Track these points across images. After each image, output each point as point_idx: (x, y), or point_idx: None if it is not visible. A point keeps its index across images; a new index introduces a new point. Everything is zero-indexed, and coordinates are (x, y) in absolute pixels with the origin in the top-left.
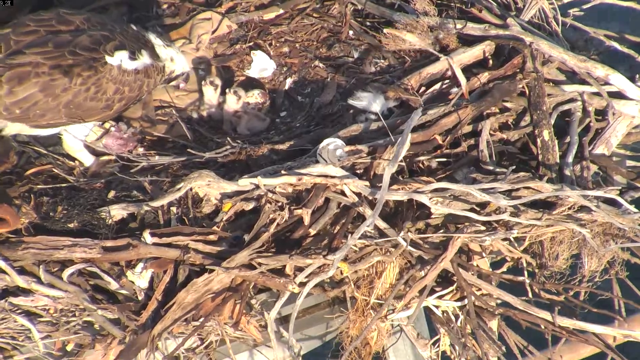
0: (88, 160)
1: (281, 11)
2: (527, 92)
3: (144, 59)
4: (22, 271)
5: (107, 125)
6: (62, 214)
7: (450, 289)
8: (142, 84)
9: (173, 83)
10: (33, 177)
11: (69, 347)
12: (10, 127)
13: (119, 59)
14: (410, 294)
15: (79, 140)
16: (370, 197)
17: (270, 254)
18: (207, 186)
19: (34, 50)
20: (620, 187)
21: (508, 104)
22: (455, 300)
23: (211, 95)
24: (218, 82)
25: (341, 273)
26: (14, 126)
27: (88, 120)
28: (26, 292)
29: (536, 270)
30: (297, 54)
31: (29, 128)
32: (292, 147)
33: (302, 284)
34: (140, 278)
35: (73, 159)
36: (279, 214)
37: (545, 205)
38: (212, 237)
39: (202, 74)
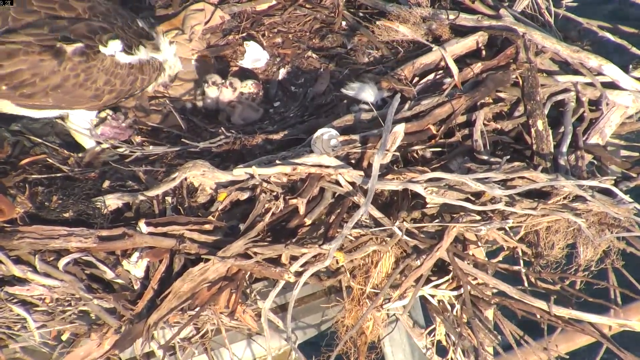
0: (89, 144)
1: (274, 2)
2: (521, 82)
3: (140, 54)
4: (17, 260)
5: (103, 114)
6: (57, 204)
7: (446, 278)
8: (135, 80)
9: (160, 81)
10: (28, 167)
11: (64, 337)
12: None
13: (113, 49)
14: (406, 283)
15: (86, 122)
16: (365, 187)
17: (265, 243)
18: (202, 176)
19: (28, 31)
20: (615, 177)
21: (502, 94)
22: (451, 290)
23: (214, 93)
24: (219, 80)
25: (337, 262)
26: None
27: (75, 108)
28: (22, 281)
29: (532, 260)
30: (290, 44)
31: (14, 106)
32: (286, 137)
33: (298, 274)
34: (136, 267)
35: (68, 148)
36: (274, 204)
37: (540, 195)
38: (207, 227)
39: (195, 64)
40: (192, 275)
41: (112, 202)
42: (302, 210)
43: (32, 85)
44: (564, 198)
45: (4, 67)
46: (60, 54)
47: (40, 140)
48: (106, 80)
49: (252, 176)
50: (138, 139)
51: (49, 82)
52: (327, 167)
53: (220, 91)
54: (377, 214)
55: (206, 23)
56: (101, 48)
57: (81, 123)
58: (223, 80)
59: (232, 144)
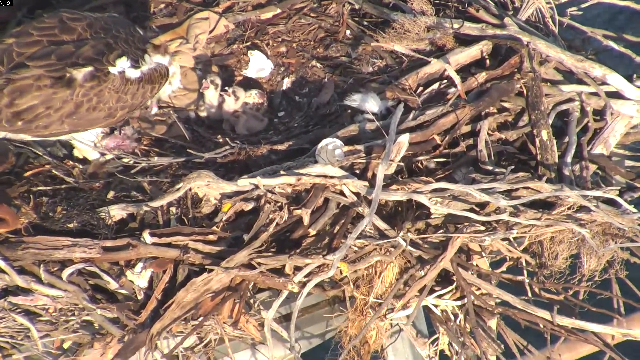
0: (93, 156)
1: (278, 11)
2: (525, 92)
3: (147, 64)
4: (21, 271)
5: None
6: (62, 214)
7: (450, 288)
8: (145, 91)
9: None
10: (32, 178)
11: (66, 345)
12: (12, 135)
13: (121, 67)
14: (410, 293)
15: (92, 135)
16: (369, 197)
17: (269, 253)
18: (207, 186)
19: (36, 63)
20: (619, 187)
21: (506, 104)
22: (455, 300)
23: (212, 95)
24: (218, 81)
25: (340, 273)
26: (16, 137)
27: (91, 129)
28: (26, 291)
29: (536, 270)
30: (295, 53)
31: (31, 137)
32: (290, 147)
33: (302, 284)
34: (139, 277)
35: (72, 159)
36: (278, 214)
37: (544, 205)
38: (211, 237)
39: (200, 74)
40: (195, 286)
41: (117, 212)
42: (306, 220)
43: (47, 117)
44: (568, 208)
45: (18, 105)
46: (71, 82)
47: (44, 151)
48: (117, 98)
49: (256, 187)
50: (141, 150)
51: (62, 111)
52: (332, 177)
53: (222, 98)
54: (381, 224)
55: (210, 32)
56: (110, 68)
57: (86, 136)
58: (221, 83)
59: (237, 155)
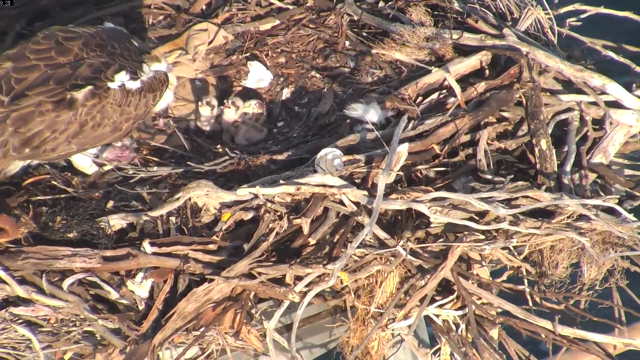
0: (91, 170)
1: (277, 22)
2: (524, 101)
3: (146, 74)
4: (22, 281)
5: None
6: (61, 224)
7: (451, 298)
8: (147, 100)
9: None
10: (31, 187)
11: (67, 357)
12: (20, 163)
13: (120, 80)
14: (411, 303)
15: (87, 159)
16: (369, 206)
17: (270, 263)
18: (206, 196)
19: (36, 90)
20: (618, 196)
21: (505, 114)
22: (456, 309)
23: (207, 114)
24: (214, 102)
25: (341, 282)
26: (26, 161)
27: (99, 145)
28: (26, 302)
29: (536, 279)
30: (294, 64)
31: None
32: (290, 157)
33: (303, 294)
34: (140, 288)
35: (72, 169)
36: (278, 224)
37: (544, 214)
38: (211, 247)
39: (198, 84)
40: (196, 296)
41: (116, 222)
42: (306, 230)
43: (54, 140)
44: (568, 217)
45: (23, 133)
46: (72, 103)
47: (42, 162)
48: (121, 111)
49: (256, 196)
50: (141, 159)
51: (68, 132)
52: (331, 186)
53: (222, 111)
54: (381, 233)
55: (210, 43)
56: (110, 84)
57: (84, 160)
58: (217, 103)
59: (236, 164)
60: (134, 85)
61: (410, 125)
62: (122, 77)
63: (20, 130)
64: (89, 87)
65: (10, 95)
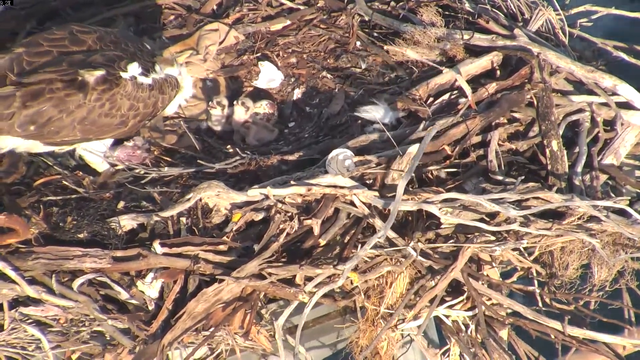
0: (102, 167)
1: (288, 22)
2: (535, 102)
3: (158, 74)
4: (32, 281)
5: None
6: (72, 224)
7: (461, 298)
8: (156, 100)
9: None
10: (42, 188)
11: (75, 357)
12: (23, 144)
13: (132, 73)
14: (421, 303)
15: (98, 155)
16: (380, 208)
17: (280, 264)
18: (217, 197)
19: (48, 69)
20: (629, 197)
21: (516, 115)
22: (466, 310)
23: (218, 114)
24: (225, 102)
25: (351, 283)
26: (27, 143)
27: (102, 137)
28: (36, 302)
29: (546, 280)
30: (305, 64)
31: (43, 145)
32: (301, 157)
33: (312, 294)
34: (150, 288)
35: (82, 169)
36: (288, 224)
37: (555, 215)
38: (222, 247)
39: (209, 85)
40: (206, 296)
41: (127, 222)
42: (316, 230)
43: (60, 121)
44: (579, 218)
45: (31, 107)
46: (83, 85)
47: (55, 161)
48: (130, 105)
49: (266, 197)
50: (152, 160)
51: (75, 115)
52: (342, 187)
53: (224, 112)
54: (391, 234)
55: (220, 43)
56: (122, 74)
57: (96, 147)
58: (228, 103)
59: (247, 165)
60: (145, 80)
61: (422, 126)
62: (134, 70)
63: (28, 104)
64: (102, 72)
65: (22, 72)
